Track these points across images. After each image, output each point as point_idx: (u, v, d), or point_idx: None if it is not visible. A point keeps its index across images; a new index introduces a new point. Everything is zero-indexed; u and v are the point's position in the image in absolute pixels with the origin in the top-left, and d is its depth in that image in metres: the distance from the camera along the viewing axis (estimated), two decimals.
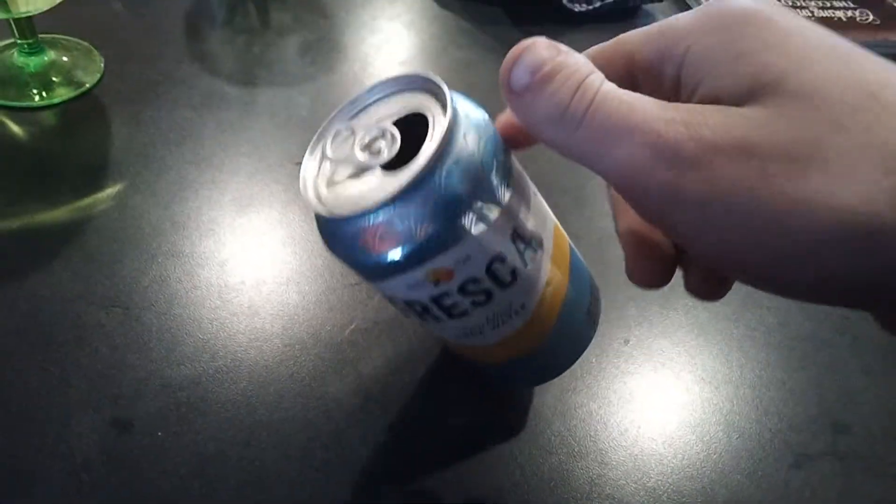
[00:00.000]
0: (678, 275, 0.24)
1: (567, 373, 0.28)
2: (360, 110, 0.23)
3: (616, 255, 0.24)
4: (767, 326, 0.37)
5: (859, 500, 0.30)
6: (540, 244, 0.23)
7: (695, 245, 0.18)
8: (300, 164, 0.22)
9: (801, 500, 0.30)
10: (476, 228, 0.20)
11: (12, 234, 0.36)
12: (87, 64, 0.46)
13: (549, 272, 0.23)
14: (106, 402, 0.29)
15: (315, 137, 0.22)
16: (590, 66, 0.18)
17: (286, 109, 0.45)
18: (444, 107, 0.20)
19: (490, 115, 0.22)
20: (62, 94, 0.44)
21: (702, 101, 0.17)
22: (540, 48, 0.18)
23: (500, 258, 0.21)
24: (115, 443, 0.28)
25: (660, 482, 0.30)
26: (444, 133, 0.19)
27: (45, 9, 0.41)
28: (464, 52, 0.53)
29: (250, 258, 0.36)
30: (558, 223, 0.25)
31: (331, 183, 0.21)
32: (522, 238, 0.22)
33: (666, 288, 0.23)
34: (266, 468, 0.28)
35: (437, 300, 0.22)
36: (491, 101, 0.22)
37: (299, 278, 0.35)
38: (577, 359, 0.27)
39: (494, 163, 0.20)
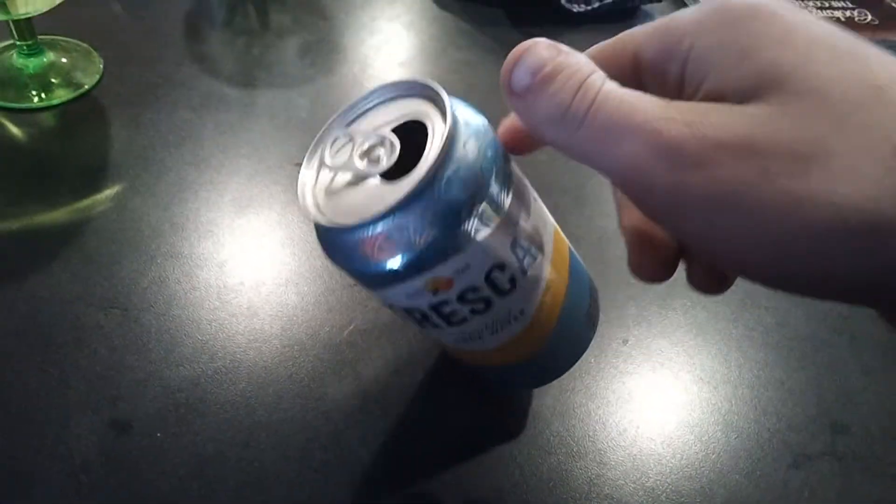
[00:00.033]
0: (678, 273, 0.24)
1: (566, 373, 0.28)
2: (358, 116, 0.23)
3: (615, 254, 0.24)
4: (766, 326, 0.37)
5: (858, 500, 0.30)
6: (540, 250, 0.23)
7: (698, 242, 0.18)
8: (299, 164, 0.22)
9: (799, 500, 0.30)
10: (475, 238, 0.20)
11: (11, 235, 0.36)
12: (86, 65, 0.46)
13: (548, 277, 0.23)
14: (105, 403, 0.29)
15: (313, 144, 0.22)
16: (591, 65, 0.18)
17: (286, 111, 0.45)
18: (443, 114, 0.20)
19: (490, 118, 0.22)
20: (61, 95, 0.44)
21: (706, 98, 0.17)
22: (540, 49, 0.18)
23: (500, 266, 0.21)
24: (113, 444, 0.28)
25: (658, 482, 0.30)
26: (443, 142, 0.19)
27: (45, 10, 0.41)
28: (463, 53, 0.53)
29: (249, 259, 0.36)
30: (558, 227, 0.25)
31: (330, 191, 0.21)
32: (522, 245, 0.21)
33: (665, 288, 0.23)
34: (265, 469, 0.28)
35: (436, 308, 0.22)
36: (491, 103, 0.22)
37: (298, 279, 0.35)
38: (577, 361, 0.27)
39: (494, 170, 0.20)
